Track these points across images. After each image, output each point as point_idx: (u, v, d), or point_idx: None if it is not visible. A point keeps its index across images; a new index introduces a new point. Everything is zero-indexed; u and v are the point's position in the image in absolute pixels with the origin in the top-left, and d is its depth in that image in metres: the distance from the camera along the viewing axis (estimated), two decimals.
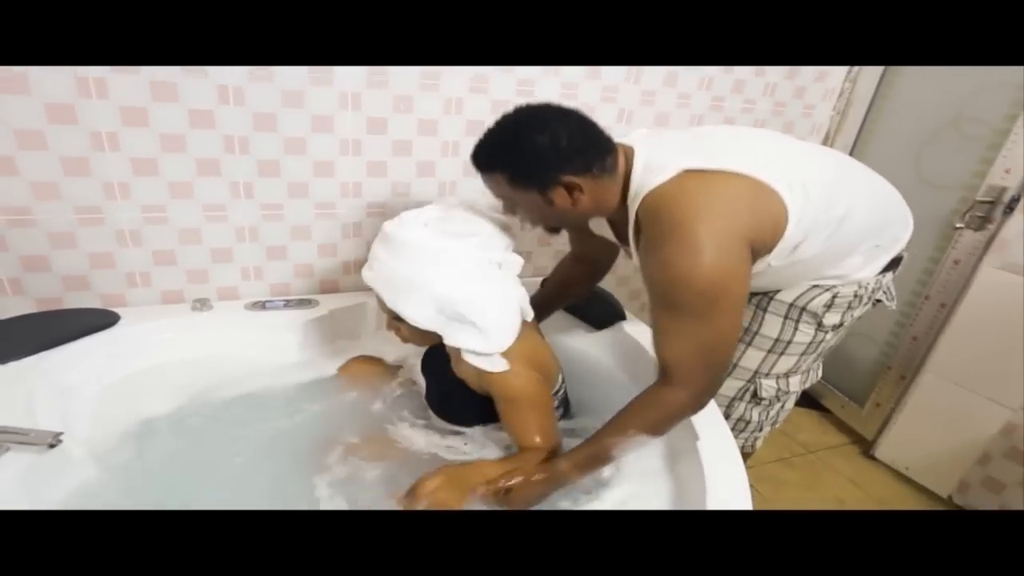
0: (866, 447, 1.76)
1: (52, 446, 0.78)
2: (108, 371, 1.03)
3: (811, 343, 1.02)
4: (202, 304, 1.19)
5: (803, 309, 0.98)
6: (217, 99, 1.07)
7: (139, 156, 1.07)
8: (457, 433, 0.99)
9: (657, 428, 0.81)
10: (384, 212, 1.32)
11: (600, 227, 1.00)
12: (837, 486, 1.63)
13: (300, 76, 1.11)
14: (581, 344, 1.25)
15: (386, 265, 0.84)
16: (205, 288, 1.25)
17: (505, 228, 0.90)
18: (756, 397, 1.08)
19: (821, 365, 1.13)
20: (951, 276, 1.48)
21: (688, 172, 0.78)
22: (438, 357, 0.99)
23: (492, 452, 0.95)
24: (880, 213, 0.93)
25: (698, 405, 0.82)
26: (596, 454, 0.82)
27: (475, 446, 0.96)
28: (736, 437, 0.96)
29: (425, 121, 1.25)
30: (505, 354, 0.86)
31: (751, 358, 1.05)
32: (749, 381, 1.07)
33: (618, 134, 0.87)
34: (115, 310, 1.12)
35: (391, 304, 0.85)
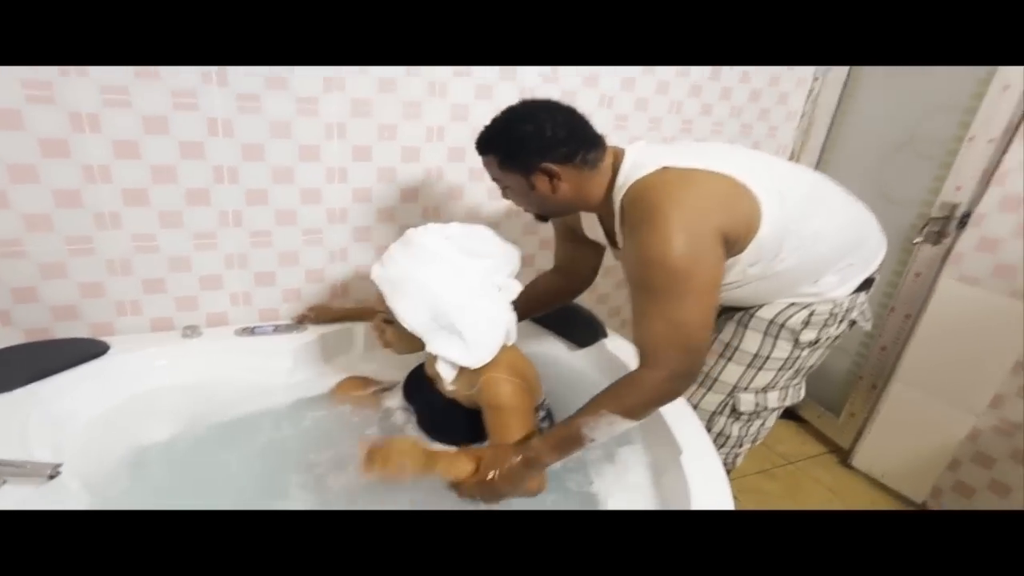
0: (843, 456, 1.81)
1: (52, 477, 0.78)
2: (99, 400, 1.03)
3: (788, 359, 1.06)
4: (192, 331, 1.21)
5: (782, 326, 1.03)
6: (207, 131, 1.10)
7: (130, 187, 1.09)
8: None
9: (632, 411, 0.83)
10: (370, 237, 1.35)
11: (593, 229, 1.06)
12: (817, 496, 1.67)
13: (287, 107, 1.15)
14: (565, 361, 1.29)
15: (399, 265, 0.89)
16: (195, 315, 1.27)
17: (516, 256, 0.96)
18: (736, 411, 1.12)
19: (804, 385, 1.17)
20: (913, 288, 1.55)
21: (669, 168, 0.85)
22: (420, 382, 1.03)
23: None
24: (854, 233, 1.00)
25: (671, 389, 0.84)
26: (570, 434, 0.84)
27: None
28: (717, 452, 0.99)
29: (408, 148, 1.30)
30: (493, 365, 0.91)
31: (731, 372, 1.10)
32: (729, 395, 1.11)
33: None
34: (104, 339, 1.13)
35: (389, 301, 0.89)
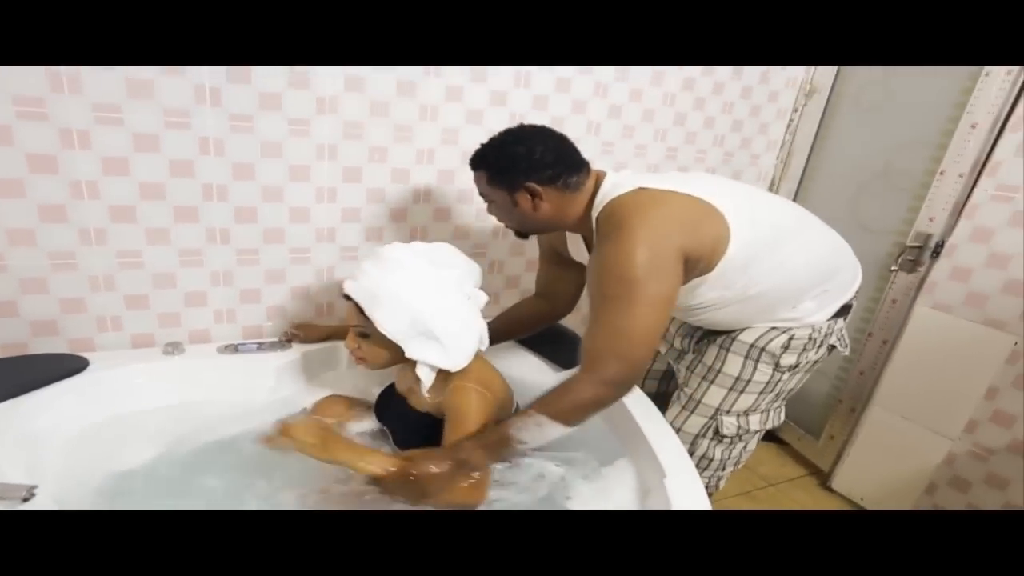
0: (823, 478, 1.83)
1: (26, 500, 0.76)
2: (77, 419, 1.01)
3: (768, 382, 1.09)
4: (174, 348, 1.19)
5: (762, 349, 1.06)
6: (198, 150, 1.11)
7: (118, 204, 1.09)
8: None
9: (561, 414, 0.84)
10: (357, 256, 1.36)
11: (579, 251, 1.10)
12: None
13: (280, 127, 1.16)
14: (548, 382, 1.28)
15: (372, 278, 0.91)
16: (177, 331, 1.25)
17: (478, 270, 1.00)
18: (718, 434, 1.14)
19: (784, 409, 1.19)
20: (890, 314, 1.59)
21: (644, 188, 0.90)
22: (390, 399, 1.06)
23: None
24: (830, 261, 1.04)
25: (602, 396, 0.85)
26: (500, 436, 0.87)
27: None
28: (700, 475, 1.01)
29: (398, 170, 1.31)
30: (463, 374, 0.95)
31: (713, 395, 1.12)
32: (711, 418, 1.13)
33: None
34: (83, 355, 1.11)
35: (369, 311, 0.90)
